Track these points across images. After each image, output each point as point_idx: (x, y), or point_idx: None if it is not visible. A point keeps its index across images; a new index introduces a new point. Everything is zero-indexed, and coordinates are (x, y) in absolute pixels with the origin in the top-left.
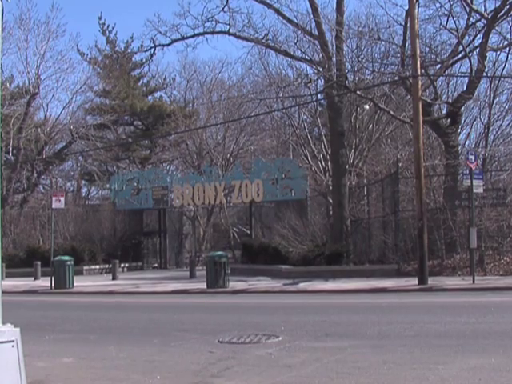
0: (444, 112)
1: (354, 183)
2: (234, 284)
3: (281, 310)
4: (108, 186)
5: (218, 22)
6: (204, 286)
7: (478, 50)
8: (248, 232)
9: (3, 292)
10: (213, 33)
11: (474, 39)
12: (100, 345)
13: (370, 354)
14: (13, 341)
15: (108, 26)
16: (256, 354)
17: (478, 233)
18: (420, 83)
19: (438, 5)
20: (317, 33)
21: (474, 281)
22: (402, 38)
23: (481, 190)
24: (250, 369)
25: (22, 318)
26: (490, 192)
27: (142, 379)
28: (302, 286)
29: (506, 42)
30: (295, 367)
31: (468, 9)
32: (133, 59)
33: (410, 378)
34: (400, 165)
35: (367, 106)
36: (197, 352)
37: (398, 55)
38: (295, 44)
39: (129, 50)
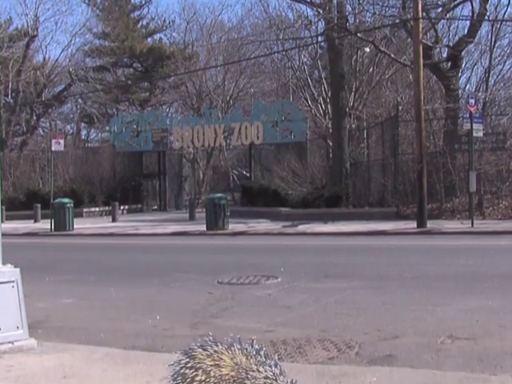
0: (445, 55)
1: (353, 126)
2: (234, 226)
3: (280, 252)
4: (107, 128)
5: None
6: (203, 227)
7: None
8: (247, 174)
9: (3, 234)
10: None
11: None
12: (100, 286)
13: (369, 295)
14: (13, 281)
15: None
16: (255, 294)
17: (477, 177)
18: (421, 26)
19: None
20: None
21: (472, 224)
22: None
23: (480, 134)
24: (249, 309)
25: (22, 260)
26: (489, 136)
27: (142, 319)
28: (302, 228)
29: None
30: (294, 308)
31: None
32: (132, 1)
33: (409, 319)
34: (400, 108)
35: (368, 49)
36: (196, 293)
37: None
38: None
39: None
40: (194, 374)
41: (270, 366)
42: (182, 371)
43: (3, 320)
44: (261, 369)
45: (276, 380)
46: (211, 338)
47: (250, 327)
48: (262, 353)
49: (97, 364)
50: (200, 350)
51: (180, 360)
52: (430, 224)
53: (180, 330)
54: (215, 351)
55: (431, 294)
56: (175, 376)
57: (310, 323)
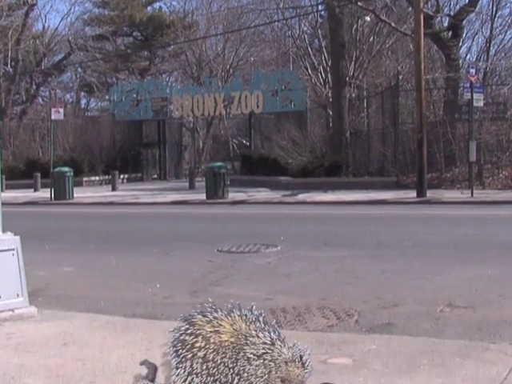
0: (445, 25)
1: (353, 95)
2: (233, 195)
3: (280, 221)
4: (107, 97)
5: None
6: (203, 196)
7: None
8: (247, 144)
9: (3, 203)
10: None
11: None
12: (100, 254)
13: (369, 264)
14: (13, 249)
15: None
16: (255, 262)
17: (477, 146)
18: None
19: None
20: None
21: (472, 194)
22: None
23: (481, 104)
24: (249, 277)
25: (22, 229)
26: (490, 106)
27: (142, 287)
28: (301, 197)
29: None
30: (294, 276)
31: None
32: None
33: (408, 287)
34: (400, 77)
35: (368, 18)
36: (196, 261)
37: None
38: None
39: None
40: (194, 340)
41: (269, 332)
42: (181, 338)
43: (3, 288)
44: (260, 335)
45: (273, 344)
46: (211, 304)
47: (249, 295)
48: (261, 319)
49: (97, 331)
50: (200, 316)
51: (180, 327)
52: (430, 193)
53: (180, 298)
54: (215, 317)
55: (431, 263)
56: (175, 343)
57: (309, 291)
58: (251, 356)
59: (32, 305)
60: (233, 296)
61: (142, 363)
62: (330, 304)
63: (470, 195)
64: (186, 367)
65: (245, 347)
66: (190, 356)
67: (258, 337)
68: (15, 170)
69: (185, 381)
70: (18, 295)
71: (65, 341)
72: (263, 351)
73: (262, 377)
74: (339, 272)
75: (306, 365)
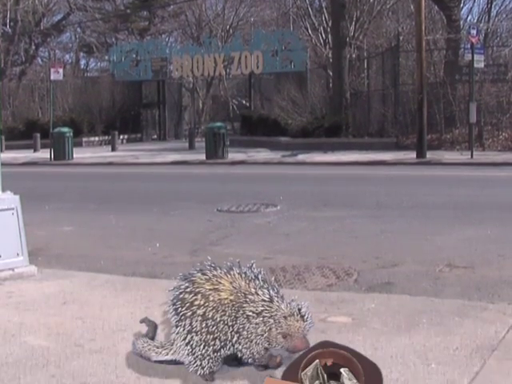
0: None
1: (354, 56)
2: (233, 155)
3: (279, 181)
4: (107, 57)
5: None
6: (203, 157)
7: None
8: (247, 104)
9: (2, 164)
10: None
11: None
12: (100, 214)
13: (368, 224)
14: (13, 208)
15: None
16: (254, 222)
17: (477, 108)
18: None
19: None
20: None
21: (472, 155)
22: None
23: (482, 65)
24: (249, 237)
25: (21, 189)
26: (490, 67)
27: (142, 247)
28: (301, 157)
29: None
30: (293, 235)
31: None
32: None
33: (407, 247)
34: (401, 38)
35: None
36: (196, 221)
37: None
38: None
39: None
40: (193, 298)
41: (268, 290)
42: (181, 296)
43: (3, 247)
44: (259, 292)
45: (272, 301)
46: (210, 263)
47: (249, 254)
48: (260, 277)
49: (97, 290)
50: (199, 274)
51: (179, 285)
52: (430, 154)
53: (179, 257)
54: (214, 275)
55: (430, 223)
56: (174, 301)
57: (308, 251)
58: (250, 314)
59: (32, 264)
60: (232, 255)
61: (142, 321)
62: (330, 263)
63: (469, 156)
64: (185, 325)
65: (244, 305)
66: (189, 314)
67: (257, 294)
68: (15, 130)
69: (184, 339)
70: (17, 254)
71: (65, 299)
72: (262, 308)
73: (262, 335)
74: (338, 232)
75: (306, 317)
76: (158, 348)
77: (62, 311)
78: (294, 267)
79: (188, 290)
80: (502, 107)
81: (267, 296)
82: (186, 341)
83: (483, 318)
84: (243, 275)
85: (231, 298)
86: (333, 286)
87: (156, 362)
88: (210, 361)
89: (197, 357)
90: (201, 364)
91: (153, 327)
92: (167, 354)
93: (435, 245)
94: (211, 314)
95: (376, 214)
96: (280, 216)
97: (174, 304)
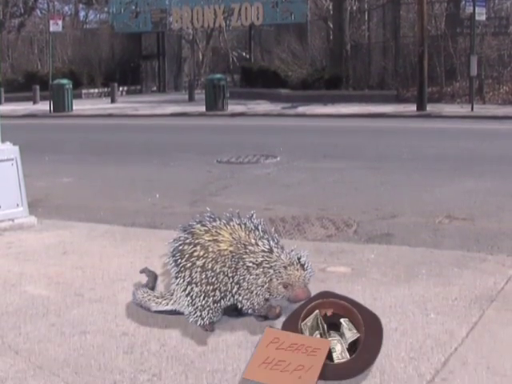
0: None
1: (354, 8)
2: (233, 107)
3: (279, 133)
4: (106, 9)
5: None
6: (203, 109)
7: None
8: (247, 56)
9: (2, 116)
10: None
11: None
12: (99, 165)
13: (368, 175)
14: (12, 159)
15: None
16: (254, 173)
17: (478, 61)
18: None
19: None
20: None
21: (472, 109)
22: None
23: (483, 18)
24: (249, 188)
25: (21, 141)
26: (492, 20)
27: (142, 197)
28: (301, 109)
29: None
30: (293, 186)
31: None
32: None
33: (407, 199)
34: None
35: None
36: (195, 172)
37: None
38: None
39: None
40: (193, 249)
41: (268, 240)
42: (180, 247)
43: (3, 198)
44: (259, 243)
45: (271, 252)
46: (210, 213)
47: (248, 205)
48: (260, 227)
49: (96, 241)
50: (198, 225)
51: (179, 237)
52: (430, 107)
53: (179, 208)
54: (214, 227)
55: (430, 175)
56: (174, 252)
57: (308, 202)
58: (250, 265)
59: (32, 215)
60: (232, 206)
61: (142, 271)
62: (329, 214)
63: (470, 110)
64: (185, 276)
65: (244, 256)
66: (188, 265)
67: (257, 245)
68: (14, 82)
69: (184, 290)
70: (17, 205)
71: (64, 250)
72: (262, 259)
73: (262, 286)
74: (338, 183)
75: (306, 266)
76: (157, 298)
77: (61, 261)
78: (293, 218)
79: (187, 241)
80: (502, 60)
81: (267, 247)
82: (186, 292)
83: (482, 269)
84: (243, 226)
85: (231, 248)
86: (332, 237)
87: (156, 312)
88: (210, 311)
89: (197, 308)
90: (201, 315)
91: (153, 277)
92: (167, 305)
93: (435, 196)
94: (210, 265)
95: (376, 165)
96: (280, 167)
97: (173, 255)
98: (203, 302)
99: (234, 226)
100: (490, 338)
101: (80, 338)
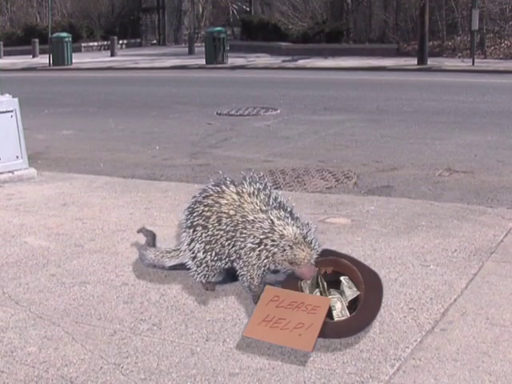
0: None
1: None
2: (233, 60)
3: (279, 85)
4: None
5: None
6: (203, 61)
7: None
8: (247, 9)
9: (1, 70)
10: None
11: None
12: (99, 117)
13: (368, 128)
14: (11, 111)
15: None
16: (254, 125)
17: (480, 15)
18: None
19: None
20: None
21: (473, 63)
22: None
23: None
24: (248, 140)
25: (20, 94)
26: None
27: (141, 149)
28: (301, 62)
29: None
30: (293, 139)
31: None
32: None
33: (407, 152)
34: None
35: None
36: (195, 124)
37: None
38: None
39: None
40: (202, 209)
41: (278, 210)
42: (193, 205)
43: (2, 150)
44: (263, 217)
45: (273, 230)
46: (227, 176)
47: (248, 157)
48: (272, 196)
49: (96, 192)
50: (214, 188)
51: (195, 195)
52: (431, 61)
53: (179, 160)
54: (223, 191)
55: (430, 128)
56: (190, 209)
57: (308, 154)
58: (250, 245)
59: (31, 167)
60: (232, 158)
61: (139, 231)
62: (329, 167)
63: (471, 64)
64: (190, 232)
65: (244, 231)
66: (195, 223)
67: (261, 220)
68: (13, 36)
69: (188, 244)
70: (17, 157)
71: (64, 201)
72: (263, 237)
73: (265, 259)
74: (338, 136)
75: (313, 245)
76: (169, 253)
77: (61, 213)
78: (293, 170)
79: (199, 199)
80: (504, 15)
81: (268, 223)
82: (190, 246)
83: (482, 221)
84: (255, 191)
85: (235, 217)
86: (332, 189)
87: (170, 267)
88: (206, 268)
89: (195, 263)
90: (196, 270)
91: (151, 236)
92: (178, 257)
93: (435, 149)
94: (211, 228)
95: (376, 118)
96: (280, 119)
97: (188, 210)
98: (201, 258)
99: (244, 190)
100: (489, 290)
101: (80, 288)
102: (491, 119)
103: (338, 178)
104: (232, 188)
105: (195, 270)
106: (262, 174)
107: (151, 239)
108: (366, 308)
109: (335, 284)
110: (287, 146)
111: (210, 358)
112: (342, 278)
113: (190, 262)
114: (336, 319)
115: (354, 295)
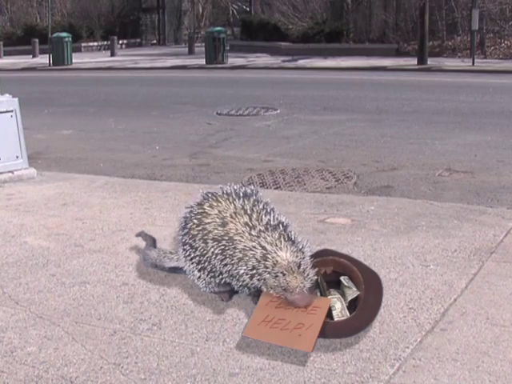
0: None
1: None
2: (233, 60)
3: (279, 85)
4: None
5: None
6: (203, 61)
7: None
8: (247, 9)
9: (1, 70)
10: None
11: None
12: (99, 117)
13: (368, 128)
14: (11, 111)
15: None
16: (254, 125)
17: (480, 15)
18: None
19: None
20: None
21: (473, 63)
22: None
23: None
24: (248, 140)
25: (20, 93)
26: None
27: (141, 149)
28: (301, 62)
29: None
30: (293, 139)
31: None
32: None
33: (407, 152)
34: None
35: None
36: (195, 124)
37: None
38: None
39: None
40: (198, 220)
41: (270, 234)
42: (188, 215)
43: (2, 150)
44: (257, 240)
45: (266, 258)
46: (230, 186)
47: (248, 157)
48: (272, 217)
49: (96, 192)
50: (208, 201)
51: (191, 205)
52: (431, 61)
53: (179, 160)
54: (217, 204)
55: (430, 128)
56: (185, 218)
57: (308, 154)
58: (243, 271)
59: (31, 167)
60: (232, 158)
61: (138, 235)
62: (329, 166)
63: (471, 64)
64: (185, 241)
65: (235, 254)
66: (192, 233)
67: (254, 247)
68: (13, 36)
69: (184, 251)
70: (17, 157)
71: (64, 201)
72: (255, 264)
73: (257, 281)
74: (338, 135)
75: (306, 274)
76: (171, 254)
77: (61, 212)
78: (293, 170)
79: (194, 211)
80: (505, 15)
81: (260, 252)
82: (186, 263)
83: (482, 221)
84: (243, 208)
85: (223, 242)
86: (332, 189)
87: (170, 268)
88: (204, 283)
89: (195, 276)
90: (197, 282)
91: (151, 240)
92: (177, 260)
93: (435, 149)
94: (200, 248)
95: (376, 118)
96: (280, 119)
97: (180, 225)
98: (198, 276)
99: (229, 207)
100: (489, 290)
101: (80, 288)
102: (491, 119)
103: (338, 178)
104: (215, 206)
105: (198, 281)
106: (256, 180)
107: (151, 243)
108: (366, 308)
109: (335, 284)
110: (287, 145)
111: (209, 357)
112: (341, 278)
113: (188, 268)
114: (336, 319)
115: (353, 295)
